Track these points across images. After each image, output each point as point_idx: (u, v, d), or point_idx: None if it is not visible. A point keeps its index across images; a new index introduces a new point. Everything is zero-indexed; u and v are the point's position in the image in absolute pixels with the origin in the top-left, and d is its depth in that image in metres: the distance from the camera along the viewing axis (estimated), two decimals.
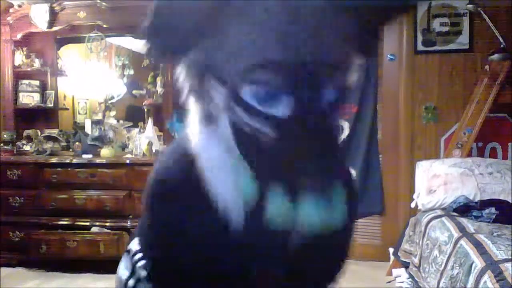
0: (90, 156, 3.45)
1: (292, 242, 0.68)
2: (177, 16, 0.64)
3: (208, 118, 0.68)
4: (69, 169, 3.34)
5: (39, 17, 3.60)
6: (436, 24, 3.31)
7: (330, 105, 0.66)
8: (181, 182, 0.72)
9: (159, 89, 3.64)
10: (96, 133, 3.65)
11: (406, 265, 2.84)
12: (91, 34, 3.72)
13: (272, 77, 0.62)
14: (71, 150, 3.64)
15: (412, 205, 3.02)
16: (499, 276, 1.58)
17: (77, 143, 3.60)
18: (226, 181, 0.69)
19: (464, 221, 2.37)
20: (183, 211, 0.72)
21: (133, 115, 3.86)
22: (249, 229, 0.68)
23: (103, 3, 3.49)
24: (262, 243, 0.69)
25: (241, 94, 0.63)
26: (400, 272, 2.95)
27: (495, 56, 2.94)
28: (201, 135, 0.71)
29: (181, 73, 0.71)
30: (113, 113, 3.87)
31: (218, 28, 0.64)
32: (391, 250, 3.16)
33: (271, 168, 0.66)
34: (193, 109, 0.71)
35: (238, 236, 0.68)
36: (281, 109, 0.63)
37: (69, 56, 4.01)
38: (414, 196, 3.00)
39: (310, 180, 0.65)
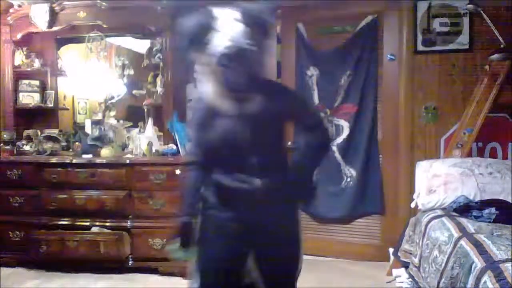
0: (90, 156, 3.45)
1: None
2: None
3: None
4: (69, 169, 3.33)
5: (39, 17, 3.60)
6: (436, 24, 3.31)
7: None
8: None
9: (159, 89, 3.63)
10: (96, 133, 3.65)
11: (406, 265, 2.83)
12: (91, 34, 3.72)
13: None
14: (71, 150, 3.64)
15: (412, 205, 3.02)
16: (499, 276, 1.57)
17: (77, 143, 3.61)
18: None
19: (464, 221, 2.36)
20: None
21: (133, 115, 3.86)
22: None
23: (103, 3, 3.49)
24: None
25: None
26: (400, 272, 2.95)
27: (495, 56, 2.93)
28: None
29: None
30: (113, 113, 3.87)
31: None
32: (391, 250, 3.16)
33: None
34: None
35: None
36: None
37: (69, 56, 4.01)
38: (414, 196, 3.00)
39: None
